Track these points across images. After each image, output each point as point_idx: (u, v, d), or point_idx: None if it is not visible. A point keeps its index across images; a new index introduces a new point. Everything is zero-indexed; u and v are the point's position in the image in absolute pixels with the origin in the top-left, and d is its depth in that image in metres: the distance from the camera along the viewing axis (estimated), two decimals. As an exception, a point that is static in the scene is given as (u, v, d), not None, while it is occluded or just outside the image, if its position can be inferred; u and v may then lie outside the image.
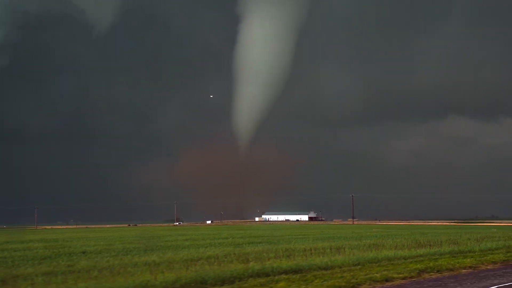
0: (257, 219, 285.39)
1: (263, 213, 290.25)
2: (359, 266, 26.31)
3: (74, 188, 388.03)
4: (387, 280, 22.47)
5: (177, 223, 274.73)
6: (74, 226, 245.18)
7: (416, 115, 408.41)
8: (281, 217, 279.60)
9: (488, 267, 28.29)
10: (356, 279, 22.05)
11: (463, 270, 26.47)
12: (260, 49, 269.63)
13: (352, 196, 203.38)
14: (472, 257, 31.22)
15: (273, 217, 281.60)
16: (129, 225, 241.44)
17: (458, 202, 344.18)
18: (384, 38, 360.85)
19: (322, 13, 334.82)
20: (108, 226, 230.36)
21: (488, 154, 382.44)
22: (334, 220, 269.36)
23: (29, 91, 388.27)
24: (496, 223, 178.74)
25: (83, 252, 38.77)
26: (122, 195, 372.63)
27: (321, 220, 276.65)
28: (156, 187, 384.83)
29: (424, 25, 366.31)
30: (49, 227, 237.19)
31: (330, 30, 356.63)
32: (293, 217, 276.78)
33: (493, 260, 30.68)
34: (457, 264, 27.89)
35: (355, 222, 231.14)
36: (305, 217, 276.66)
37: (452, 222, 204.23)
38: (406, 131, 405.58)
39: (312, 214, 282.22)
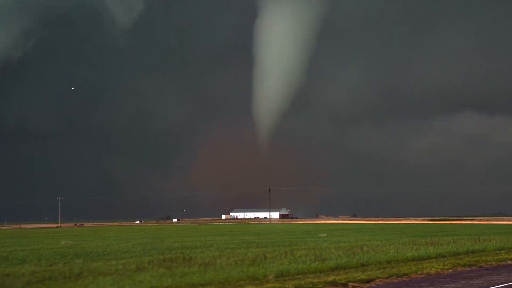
0: (223, 216, 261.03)
1: (231, 211, 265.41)
2: None
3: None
4: None
5: (137, 221, 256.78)
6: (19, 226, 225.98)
7: (426, 112, 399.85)
8: (250, 215, 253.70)
9: None
10: None
11: None
12: (276, 45, 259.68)
13: (269, 189, 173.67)
14: None
15: (242, 215, 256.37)
16: (75, 225, 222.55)
17: (466, 199, 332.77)
18: (394, 35, 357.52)
19: (336, 12, 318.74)
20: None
21: (498, 152, 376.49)
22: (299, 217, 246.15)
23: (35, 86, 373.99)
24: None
25: None
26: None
27: (293, 218, 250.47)
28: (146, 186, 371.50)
29: (435, 22, 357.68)
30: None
31: (344, 28, 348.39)
32: (262, 215, 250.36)
33: None
34: None
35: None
36: (275, 215, 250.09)
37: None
38: (415, 128, 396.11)
39: (284, 212, 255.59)
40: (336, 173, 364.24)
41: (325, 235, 57.48)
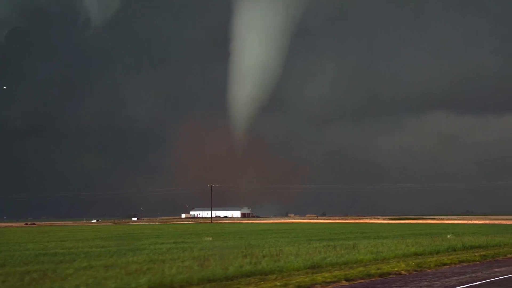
0: (183, 215, 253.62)
1: (192, 209, 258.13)
2: None
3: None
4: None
5: (94, 220, 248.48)
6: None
7: (401, 111, 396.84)
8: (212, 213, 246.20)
9: None
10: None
11: None
12: (252, 42, 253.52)
13: (211, 186, 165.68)
14: None
15: (202, 213, 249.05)
16: (27, 224, 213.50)
17: (438, 197, 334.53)
18: (370, 34, 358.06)
19: (312, 9, 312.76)
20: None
21: (469, 152, 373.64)
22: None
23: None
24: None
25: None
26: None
27: (254, 217, 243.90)
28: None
29: (408, 21, 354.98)
30: None
31: (321, 26, 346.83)
32: (223, 213, 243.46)
33: None
34: None
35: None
36: (237, 214, 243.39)
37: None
38: (388, 127, 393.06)
39: (246, 210, 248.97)
40: (308, 171, 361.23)
41: (211, 239, 50.55)
